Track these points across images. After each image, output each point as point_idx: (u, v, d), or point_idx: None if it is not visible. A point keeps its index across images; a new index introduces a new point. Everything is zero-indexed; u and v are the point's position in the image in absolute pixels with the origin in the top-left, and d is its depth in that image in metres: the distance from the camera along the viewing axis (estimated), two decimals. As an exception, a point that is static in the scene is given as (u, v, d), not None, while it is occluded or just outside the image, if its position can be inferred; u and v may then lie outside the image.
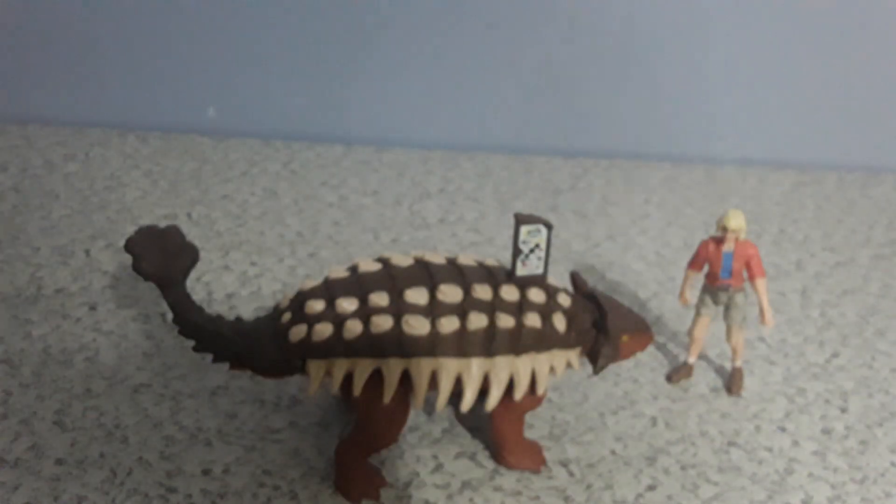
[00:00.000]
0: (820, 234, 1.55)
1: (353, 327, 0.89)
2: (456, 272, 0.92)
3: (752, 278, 1.10)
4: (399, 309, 0.89)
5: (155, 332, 1.19)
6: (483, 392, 0.98)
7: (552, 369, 0.95)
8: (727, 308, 1.12)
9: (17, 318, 1.21)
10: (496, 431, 0.99)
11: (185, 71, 1.76)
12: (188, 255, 0.93)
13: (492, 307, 0.91)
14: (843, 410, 1.14)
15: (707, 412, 1.12)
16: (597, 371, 0.97)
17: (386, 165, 1.69)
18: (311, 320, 0.90)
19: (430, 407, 1.10)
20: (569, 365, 0.99)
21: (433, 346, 0.89)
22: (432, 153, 1.75)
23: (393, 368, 0.89)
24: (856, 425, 1.11)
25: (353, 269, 0.94)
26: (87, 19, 1.73)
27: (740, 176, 1.74)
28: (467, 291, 0.91)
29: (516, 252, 0.92)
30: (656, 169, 1.75)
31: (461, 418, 1.08)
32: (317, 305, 0.90)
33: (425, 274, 0.92)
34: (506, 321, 0.90)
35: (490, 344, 0.90)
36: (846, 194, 1.70)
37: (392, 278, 0.91)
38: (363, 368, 0.90)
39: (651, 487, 1.00)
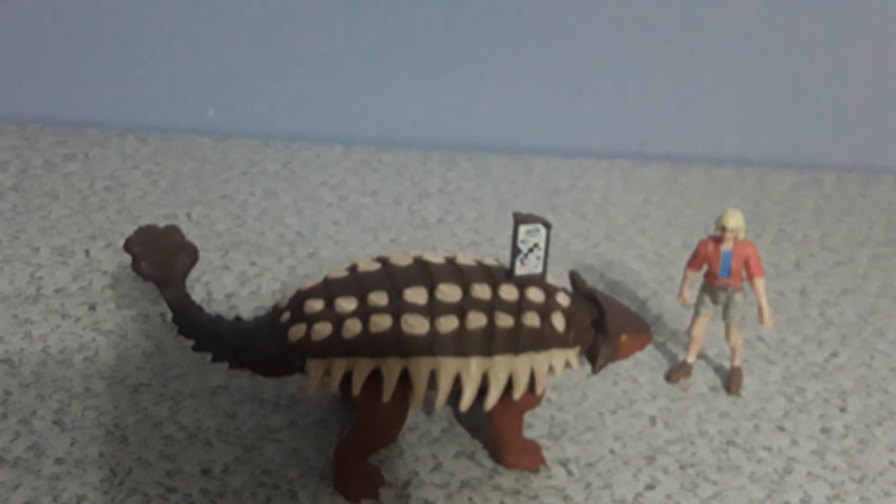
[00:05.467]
0: (819, 234, 1.55)
1: (353, 327, 0.89)
2: (455, 272, 0.92)
3: (750, 278, 1.10)
4: (398, 308, 0.89)
5: (154, 332, 1.19)
6: (482, 391, 0.98)
7: (551, 369, 0.95)
8: (726, 307, 1.12)
9: (17, 317, 1.21)
10: (495, 431, 0.99)
11: (185, 71, 1.77)
12: (187, 255, 0.93)
13: (491, 307, 0.91)
14: (842, 410, 1.14)
15: (706, 411, 1.12)
16: (596, 370, 0.97)
17: (385, 165, 1.69)
18: (311, 320, 0.90)
19: (429, 406, 1.10)
20: (568, 364, 0.99)
21: (432, 345, 0.89)
22: (432, 153, 1.75)
23: (392, 368, 0.90)
24: (855, 424, 1.11)
25: (353, 268, 0.95)
26: (87, 19, 1.73)
27: (739, 176, 1.74)
28: (466, 291, 0.91)
29: (515, 251, 0.92)
30: (656, 169, 1.75)
31: (460, 418, 1.08)
32: (316, 305, 0.90)
33: (424, 273, 0.92)
34: (505, 320, 0.90)
35: (489, 343, 0.90)
36: (845, 194, 1.70)
37: (391, 278, 0.91)
38: (362, 368, 0.90)
39: (650, 486, 1.00)
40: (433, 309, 0.89)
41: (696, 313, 1.14)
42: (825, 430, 1.10)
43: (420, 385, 0.90)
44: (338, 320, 0.90)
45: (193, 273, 1.32)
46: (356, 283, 0.91)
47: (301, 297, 0.92)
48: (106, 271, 1.31)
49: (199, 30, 1.74)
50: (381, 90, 1.78)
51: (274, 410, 1.07)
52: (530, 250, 0.92)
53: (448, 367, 0.90)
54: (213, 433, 1.03)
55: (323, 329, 0.89)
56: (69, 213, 1.46)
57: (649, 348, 1.22)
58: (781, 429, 1.10)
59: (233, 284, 1.30)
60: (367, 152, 1.74)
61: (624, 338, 0.98)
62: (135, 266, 0.91)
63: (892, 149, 1.82)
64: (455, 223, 1.51)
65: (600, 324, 0.96)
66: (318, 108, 1.79)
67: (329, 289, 0.91)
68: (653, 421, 1.10)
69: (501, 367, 0.91)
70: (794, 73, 1.76)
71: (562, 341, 0.93)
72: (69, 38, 1.74)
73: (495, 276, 0.93)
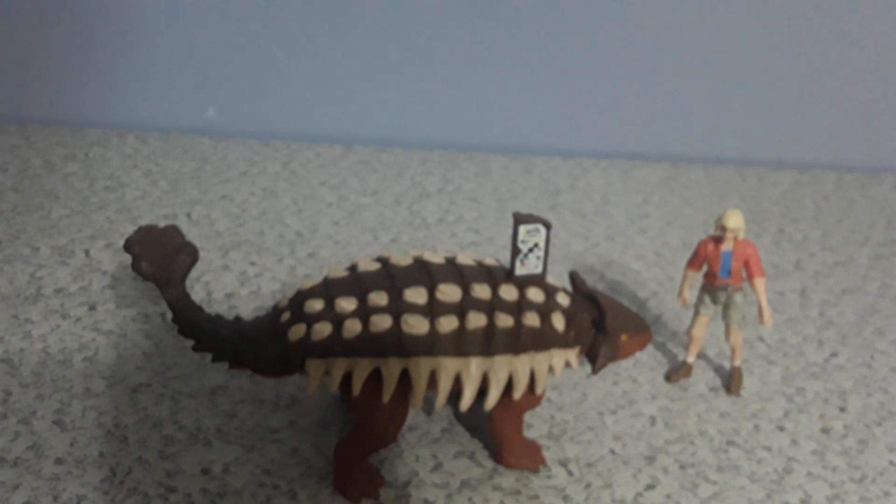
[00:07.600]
0: (819, 234, 1.55)
1: (353, 327, 0.89)
2: (455, 271, 0.92)
3: (750, 278, 1.10)
4: (398, 308, 0.89)
5: (154, 332, 1.19)
6: (482, 391, 0.98)
7: (551, 369, 0.95)
8: (726, 307, 1.12)
9: (17, 317, 1.21)
10: (495, 431, 0.99)
11: (185, 71, 1.77)
12: (187, 255, 0.93)
13: (491, 307, 0.91)
14: (842, 410, 1.14)
15: (706, 411, 1.12)
16: (596, 370, 0.97)
17: (385, 165, 1.69)
18: (311, 320, 0.90)
19: (429, 406, 1.10)
20: (568, 364, 0.99)
21: (432, 345, 0.89)
22: (432, 153, 1.75)
23: (392, 368, 0.90)
24: (855, 424, 1.11)
25: (353, 268, 0.95)
26: (87, 19, 1.73)
27: (739, 175, 1.74)
28: (466, 291, 0.91)
29: (515, 251, 0.92)
30: (655, 168, 1.75)
31: (460, 417, 1.08)
32: (316, 305, 0.90)
33: (424, 273, 0.92)
34: (505, 320, 0.90)
35: (489, 343, 0.90)
36: (845, 194, 1.70)
37: (391, 278, 0.91)
38: (362, 368, 0.90)
39: (650, 486, 1.00)
40: (433, 309, 0.89)
41: (696, 313, 1.15)
42: (825, 430, 1.10)
43: (420, 385, 0.90)
44: (338, 320, 0.90)
45: (193, 273, 1.32)
46: (356, 283, 0.91)
47: (301, 297, 0.92)
48: (106, 271, 1.31)
49: (200, 30, 1.74)
50: (381, 90, 1.78)
51: (274, 410, 1.07)
52: (530, 250, 0.92)
53: (448, 367, 0.90)
54: (213, 433, 1.03)
55: (323, 329, 0.89)
56: (69, 213, 1.46)
57: (649, 348, 1.22)
58: (781, 429, 1.10)
59: (233, 284, 1.30)
60: (367, 152, 1.74)
61: (624, 338, 0.98)
62: (135, 266, 0.91)
63: (892, 149, 1.82)
64: (455, 223, 1.51)
65: (600, 324, 0.96)
66: (318, 108, 1.79)
67: (329, 289, 0.91)
68: (653, 421, 1.10)
69: (501, 367, 0.91)
70: (794, 73, 1.76)
71: (562, 341, 0.93)
72: (69, 38, 1.74)
73: (495, 276, 0.93)
